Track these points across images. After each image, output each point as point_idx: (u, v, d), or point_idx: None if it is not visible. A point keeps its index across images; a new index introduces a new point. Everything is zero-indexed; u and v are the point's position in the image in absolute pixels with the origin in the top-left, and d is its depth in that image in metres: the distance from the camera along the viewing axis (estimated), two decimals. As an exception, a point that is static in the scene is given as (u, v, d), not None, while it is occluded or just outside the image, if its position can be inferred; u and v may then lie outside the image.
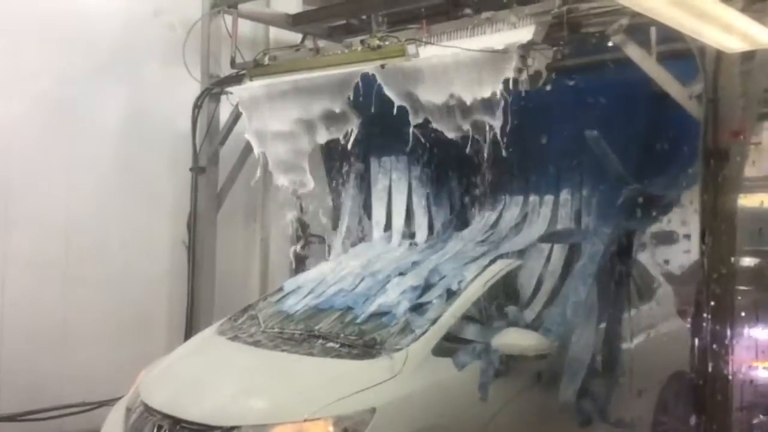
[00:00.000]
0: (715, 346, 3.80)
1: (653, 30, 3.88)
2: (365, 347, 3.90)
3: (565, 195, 4.68)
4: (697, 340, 3.98)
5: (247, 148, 6.04)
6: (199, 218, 6.12)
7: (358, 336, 4.03)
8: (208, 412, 3.59)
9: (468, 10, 4.75)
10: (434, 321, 3.98)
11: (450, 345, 3.93)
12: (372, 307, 4.28)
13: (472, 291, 4.22)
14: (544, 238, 4.60)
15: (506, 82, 4.19)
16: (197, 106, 6.07)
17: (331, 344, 4.00)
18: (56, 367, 5.54)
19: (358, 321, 4.21)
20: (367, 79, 4.84)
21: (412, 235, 5.30)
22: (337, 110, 5.09)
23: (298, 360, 3.89)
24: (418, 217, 5.33)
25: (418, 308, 4.16)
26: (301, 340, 4.11)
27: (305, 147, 5.39)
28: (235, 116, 5.97)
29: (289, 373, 3.84)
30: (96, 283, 5.91)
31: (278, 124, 5.38)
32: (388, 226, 5.39)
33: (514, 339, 3.93)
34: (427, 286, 4.34)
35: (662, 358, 4.89)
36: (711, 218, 3.73)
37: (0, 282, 5.47)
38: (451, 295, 4.21)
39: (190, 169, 6.15)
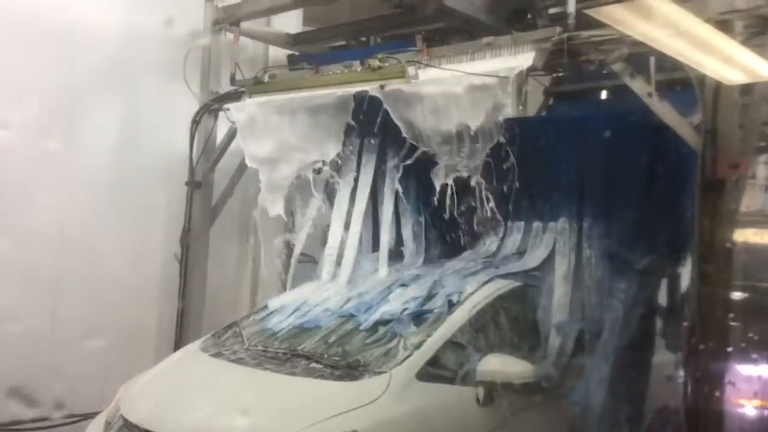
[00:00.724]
0: (707, 379, 3.78)
1: (652, 60, 3.90)
2: (348, 369, 3.83)
3: (562, 223, 4.66)
4: (689, 373, 3.96)
5: (243, 165, 6.04)
6: (193, 233, 6.10)
7: (341, 357, 3.96)
8: (187, 428, 3.54)
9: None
10: (419, 345, 3.89)
11: (434, 370, 3.83)
12: (375, 315, 4.22)
13: (460, 314, 4.11)
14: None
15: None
16: (195, 122, 6.08)
17: (314, 365, 3.93)
18: (45, 378, 5.47)
19: (362, 328, 4.16)
20: (363, 101, 4.84)
21: (400, 257, 5.25)
22: (335, 130, 5.07)
23: (280, 379, 3.82)
24: (408, 241, 5.29)
25: (419, 316, 4.11)
26: (284, 360, 4.04)
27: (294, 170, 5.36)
28: (233, 133, 5.97)
29: (271, 392, 3.77)
30: (86, 295, 5.85)
31: (270, 146, 5.35)
32: (375, 247, 5.32)
33: (497, 366, 3.84)
34: (428, 297, 4.29)
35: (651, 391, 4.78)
36: (706, 249, 3.73)
37: (-9, 290, 5.41)
38: (451, 305, 4.15)
39: (186, 184, 6.14)
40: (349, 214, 5.17)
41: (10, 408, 5.34)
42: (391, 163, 5.15)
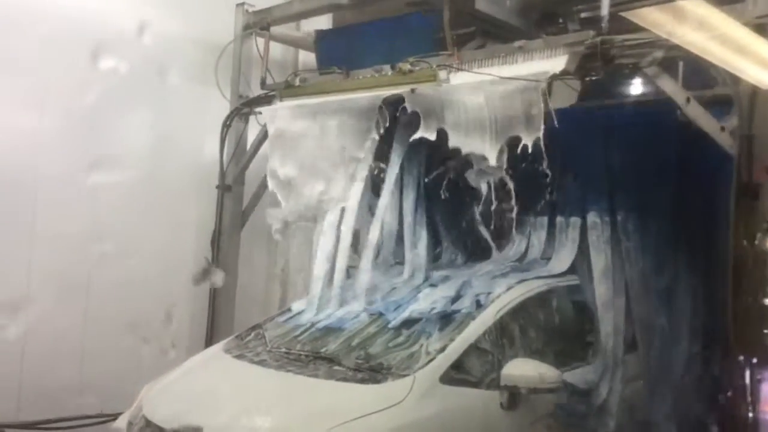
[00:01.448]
0: (741, 389, 3.74)
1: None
2: (371, 371, 3.79)
3: (593, 218, 4.58)
4: (724, 381, 3.91)
5: (273, 169, 6.08)
6: (223, 236, 6.14)
7: (365, 359, 3.93)
8: (209, 429, 3.53)
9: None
10: (443, 348, 3.84)
11: (458, 373, 3.78)
12: (405, 314, 4.19)
13: (486, 317, 4.05)
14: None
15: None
16: (226, 125, 6.12)
17: (337, 367, 3.90)
18: (75, 379, 5.54)
19: (390, 326, 4.14)
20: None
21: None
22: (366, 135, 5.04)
23: (302, 381, 3.81)
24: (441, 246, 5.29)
25: (446, 316, 4.08)
26: (307, 361, 4.02)
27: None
28: (263, 136, 5.99)
29: (293, 394, 3.76)
30: (117, 297, 5.93)
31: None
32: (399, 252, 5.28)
33: (523, 370, 3.76)
34: (457, 297, 4.26)
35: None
36: (742, 254, 3.70)
37: (25, 295, 5.49)
38: (479, 306, 4.11)
39: (217, 187, 6.19)
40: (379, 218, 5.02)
41: (44, 407, 5.44)
42: (418, 168, 5.14)
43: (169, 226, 6.20)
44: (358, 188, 4.81)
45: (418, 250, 5.11)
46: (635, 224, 4.47)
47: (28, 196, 5.50)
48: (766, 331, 3.77)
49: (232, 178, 6.18)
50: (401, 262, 5.15)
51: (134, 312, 5.99)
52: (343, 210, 4.83)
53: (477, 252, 5.26)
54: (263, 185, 6.21)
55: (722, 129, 3.78)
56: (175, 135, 6.26)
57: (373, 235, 4.80)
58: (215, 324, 6.08)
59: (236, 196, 6.24)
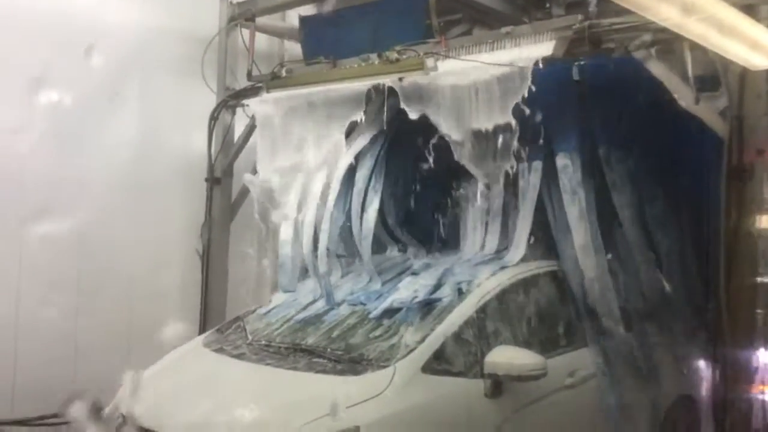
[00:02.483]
0: (734, 369, 3.74)
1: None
2: (352, 363, 3.74)
3: (562, 160, 4.39)
4: (716, 362, 3.92)
5: (261, 160, 6.05)
6: (213, 229, 6.11)
7: (345, 351, 3.88)
8: (185, 426, 3.51)
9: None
10: (424, 338, 3.78)
11: (441, 363, 3.72)
12: (385, 303, 4.14)
13: (468, 305, 3.99)
14: None
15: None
16: (214, 118, 6.08)
17: (317, 359, 3.85)
18: (68, 377, 5.51)
19: (371, 316, 4.08)
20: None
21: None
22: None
23: (282, 375, 3.75)
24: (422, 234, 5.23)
25: (428, 305, 4.03)
26: (287, 354, 3.97)
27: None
28: (250, 128, 5.97)
29: (272, 388, 3.70)
30: (108, 294, 5.90)
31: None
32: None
33: (506, 358, 3.73)
34: (438, 285, 4.21)
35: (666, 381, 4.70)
36: (733, 237, 3.70)
37: (15, 292, 5.45)
38: (461, 294, 4.06)
39: (205, 180, 6.15)
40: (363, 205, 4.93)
41: (38, 404, 5.41)
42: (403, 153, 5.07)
43: (159, 220, 6.17)
44: (338, 176, 4.76)
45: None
46: (618, 156, 4.36)
47: (16, 192, 5.46)
48: (759, 311, 3.78)
49: (220, 170, 6.14)
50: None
51: (125, 307, 5.97)
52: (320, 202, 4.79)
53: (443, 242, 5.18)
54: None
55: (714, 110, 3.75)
56: (163, 129, 6.23)
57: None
58: (207, 318, 6.05)
59: (225, 189, 6.21)
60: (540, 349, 3.98)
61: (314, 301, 4.57)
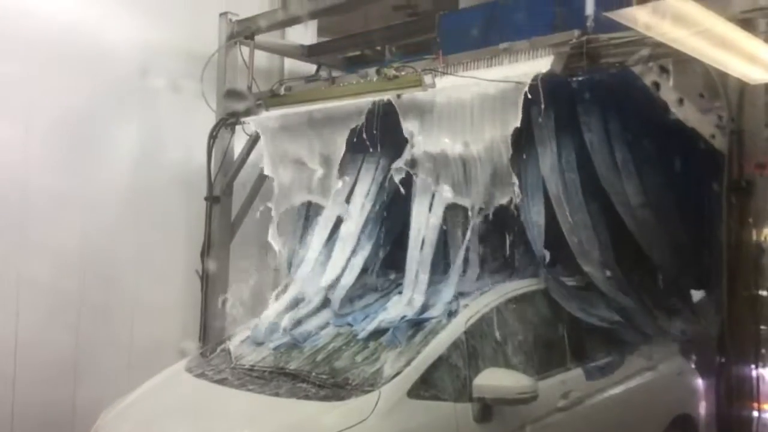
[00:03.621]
0: (736, 385, 3.70)
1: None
2: (336, 387, 3.61)
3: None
4: (717, 381, 3.87)
5: (261, 178, 6.04)
6: (213, 248, 6.09)
7: (330, 375, 3.75)
8: None
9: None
10: (410, 361, 3.65)
11: (428, 387, 3.60)
12: (373, 324, 4.04)
13: (456, 326, 3.87)
14: None
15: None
16: (213, 136, 6.07)
17: (300, 384, 3.71)
18: (68, 397, 5.49)
19: (358, 338, 3.98)
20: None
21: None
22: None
23: (262, 401, 3.61)
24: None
25: (416, 325, 3.93)
26: (270, 379, 3.83)
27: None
28: (250, 146, 5.97)
29: (251, 415, 3.56)
30: (109, 312, 5.90)
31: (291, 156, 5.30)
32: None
33: (496, 380, 3.61)
34: (427, 304, 4.12)
35: (663, 400, 4.66)
36: (734, 252, 3.66)
37: (14, 309, 5.44)
38: (449, 314, 3.95)
39: (205, 199, 6.14)
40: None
41: (34, 425, 5.38)
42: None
43: (159, 239, 6.18)
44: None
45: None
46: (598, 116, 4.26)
47: (16, 210, 5.46)
48: (763, 327, 3.73)
49: (220, 189, 6.13)
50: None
51: (126, 327, 5.95)
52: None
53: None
54: (252, 196, 6.20)
55: (713, 137, 3.73)
56: (163, 147, 6.24)
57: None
58: (207, 337, 6.02)
59: (225, 208, 6.19)
60: (531, 371, 3.90)
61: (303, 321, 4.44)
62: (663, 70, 3.85)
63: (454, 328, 3.86)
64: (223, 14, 6.17)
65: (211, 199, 6.13)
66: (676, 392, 4.73)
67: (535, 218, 4.26)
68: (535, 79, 4.00)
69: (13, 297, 5.44)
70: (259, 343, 4.32)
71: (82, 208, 5.76)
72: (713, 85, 3.63)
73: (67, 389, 5.59)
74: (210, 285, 6.07)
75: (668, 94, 3.84)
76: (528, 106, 4.09)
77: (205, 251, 6.09)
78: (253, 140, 5.84)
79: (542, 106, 4.08)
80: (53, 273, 5.62)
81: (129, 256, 5.98)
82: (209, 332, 6.04)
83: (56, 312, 5.67)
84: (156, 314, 6.06)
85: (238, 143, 6.16)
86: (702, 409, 4.65)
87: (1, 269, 5.42)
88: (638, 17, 3.00)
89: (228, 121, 6.06)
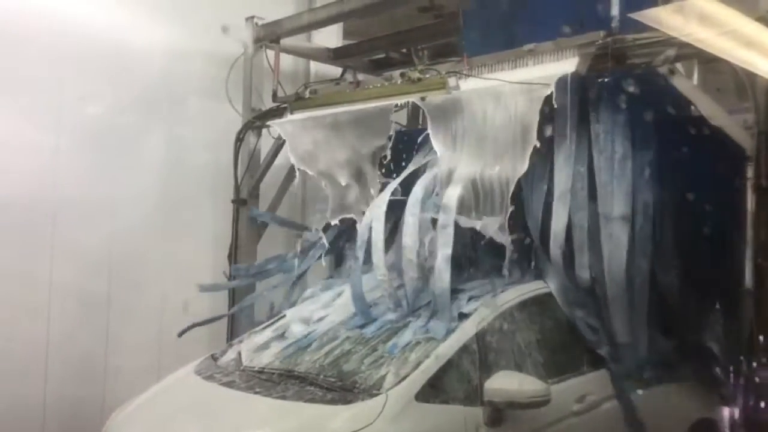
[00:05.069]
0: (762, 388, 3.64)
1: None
2: (343, 391, 3.54)
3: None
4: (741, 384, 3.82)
5: (287, 180, 6.08)
6: (240, 250, 6.13)
7: (338, 378, 3.68)
8: None
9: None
10: (419, 363, 3.58)
11: (437, 390, 3.53)
12: (383, 326, 4.00)
13: (467, 328, 3.79)
14: None
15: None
16: (239, 140, 6.12)
17: (308, 387, 3.65)
18: (98, 397, 5.56)
19: (367, 340, 3.93)
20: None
21: None
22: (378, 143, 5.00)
23: (268, 404, 3.56)
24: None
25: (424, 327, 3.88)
26: (278, 382, 3.77)
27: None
28: (276, 149, 6.01)
29: (256, 419, 3.51)
30: (138, 315, 5.97)
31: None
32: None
33: (507, 384, 3.53)
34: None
35: (683, 403, 4.53)
36: (763, 253, 3.61)
37: (46, 312, 5.53)
38: (461, 317, 3.86)
39: (232, 201, 6.18)
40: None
41: (68, 427, 5.48)
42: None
43: (187, 241, 6.23)
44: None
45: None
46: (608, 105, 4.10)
47: (47, 214, 5.56)
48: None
49: (246, 191, 6.17)
50: None
51: (154, 328, 6.02)
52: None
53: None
54: (278, 198, 6.24)
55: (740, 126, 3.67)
56: (190, 150, 6.30)
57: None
58: (234, 338, 6.05)
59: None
60: (544, 375, 3.84)
61: (314, 323, 4.40)
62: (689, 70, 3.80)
63: (466, 330, 3.80)
64: (249, 18, 6.21)
65: (238, 202, 6.18)
66: (697, 395, 4.64)
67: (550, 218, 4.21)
68: (560, 81, 3.96)
69: (45, 299, 5.52)
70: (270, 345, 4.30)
71: (110, 213, 5.84)
72: (741, 85, 3.57)
73: (96, 388, 5.66)
74: (237, 288, 6.11)
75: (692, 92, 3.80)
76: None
77: (233, 253, 6.13)
78: (279, 143, 5.87)
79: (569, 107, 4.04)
80: (83, 276, 5.71)
81: (157, 258, 6.05)
82: (236, 334, 6.08)
83: (86, 313, 5.75)
84: (185, 314, 6.11)
85: (265, 146, 6.20)
86: (725, 413, 4.56)
87: (33, 272, 5.51)
88: (663, 18, 2.98)
89: (254, 125, 6.10)
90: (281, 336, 4.37)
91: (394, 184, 4.64)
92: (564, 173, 4.18)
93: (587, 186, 4.18)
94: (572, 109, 4.13)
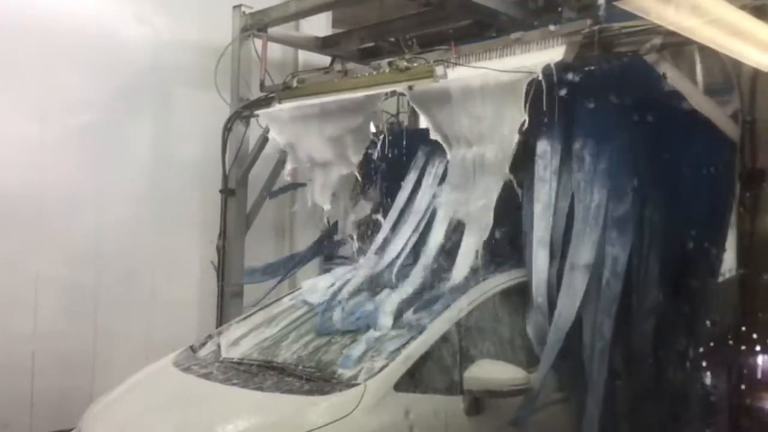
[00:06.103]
0: (751, 374, 3.69)
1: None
2: (322, 381, 3.51)
3: (543, 146, 4.16)
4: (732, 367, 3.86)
5: (276, 170, 6.07)
6: (229, 240, 6.13)
7: (316, 368, 3.65)
8: None
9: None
10: (397, 353, 3.55)
11: (416, 379, 3.50)
12: (363, 316, 3.98)
13: (447, 317, 3.79)
14: None
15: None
16: (227, 129, 6.09)
17: (286, 378, 3.60)
18: (86, 389, 5.56)
19: (347, 330, 3.92)
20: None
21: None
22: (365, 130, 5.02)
23: (245, 396, 3.52)
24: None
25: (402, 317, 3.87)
26: (256, 373, 3.73)
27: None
28: (264, 138, 5.99)
29: (232, 411, 3.44)
30: (126, 306, 5.97)
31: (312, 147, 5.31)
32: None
33: (487, 372, 3.53)
34: (415, 297, 4.05)
35: None
36: (748, 240, 3.65)
37: (32, 304, 5.52)
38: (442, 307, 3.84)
39: (220, 191, 6.17)
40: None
41: (56, 419, 5.47)
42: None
43: (174, 231, 6.24)
44: None
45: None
46: (591, 151, 4.04)
47: (34, 206, 5.54)
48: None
49: (235, 181, 6.15)
50: None
51: (143, 319, 6.02)
52: None
53: None
54: (266, 188, 6.23)
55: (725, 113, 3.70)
56: (177, 140, 6.31)
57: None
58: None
59: (240, 200, 6.20)
60: (525, 363, 3.84)
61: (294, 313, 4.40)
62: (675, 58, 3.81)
63: (447, 318, 3.79)
64: (237, 6, 6.18)
65: (226, 192, 6.16)
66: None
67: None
68: (546, 69, 3.96)
69: (32, 292, 5.53)
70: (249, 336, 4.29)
71: (97, 204, 5.83)
72: (726, 73, 3.59)
73: (84, 381, 5.67)
74: (226, 277, 6.10)
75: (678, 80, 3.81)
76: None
77: (221, 243, 6.12)
78: (267, 133, 5.86)
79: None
80: (70, 268, 5.71)
81: (145, 249, 6.05)
82: (226, 324, 6.08)
83: (74, 306, 5.75)
84: (172, 307, 6.12)
85: (253, 136, 6.18)
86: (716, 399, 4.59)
87: (20, 265, 5.51)
88: (647, 6, 2.98)
89: (242, 114, 6.08)
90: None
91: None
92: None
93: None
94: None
